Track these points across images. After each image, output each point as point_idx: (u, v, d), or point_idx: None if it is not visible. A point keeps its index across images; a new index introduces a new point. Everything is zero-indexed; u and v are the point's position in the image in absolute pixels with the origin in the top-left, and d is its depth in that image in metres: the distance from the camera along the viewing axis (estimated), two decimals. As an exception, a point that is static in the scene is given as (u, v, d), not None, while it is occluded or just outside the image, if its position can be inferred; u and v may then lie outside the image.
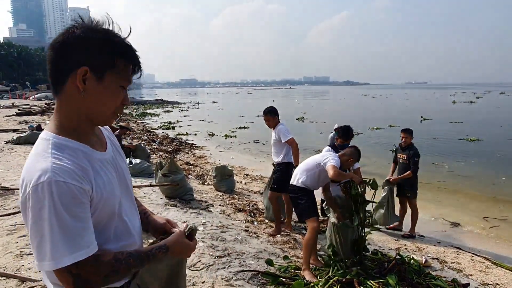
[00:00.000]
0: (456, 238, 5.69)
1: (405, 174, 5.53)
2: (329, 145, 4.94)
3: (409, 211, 5.75)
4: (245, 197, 6.74)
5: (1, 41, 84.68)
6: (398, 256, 3.70)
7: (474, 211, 6.82)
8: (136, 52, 1.06)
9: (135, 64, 1.06)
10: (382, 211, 5.59)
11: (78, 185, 0.94)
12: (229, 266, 3.59)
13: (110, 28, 1.03)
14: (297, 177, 3.87)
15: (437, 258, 4.71)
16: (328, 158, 3.70)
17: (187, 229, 1.24)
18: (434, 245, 5.30)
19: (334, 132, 8.90)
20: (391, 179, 5.67)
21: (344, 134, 4.89)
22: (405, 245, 5.21)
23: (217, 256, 3.78)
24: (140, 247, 1.17)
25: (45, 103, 27.85)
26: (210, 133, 17.11)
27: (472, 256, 4.92)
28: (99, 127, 1.17)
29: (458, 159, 11.08)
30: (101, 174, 1.04)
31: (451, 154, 11.85)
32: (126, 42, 1.04)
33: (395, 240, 5.41)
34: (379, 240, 5.33)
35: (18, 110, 20.41)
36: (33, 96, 40.58)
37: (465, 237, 5.73)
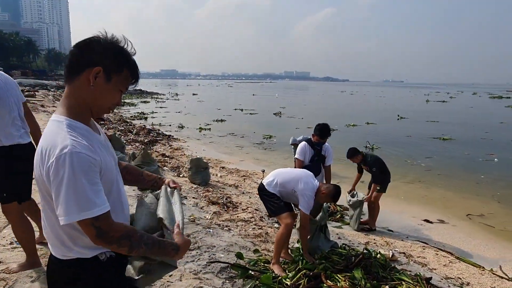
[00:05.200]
0: (424, 233, 5.86)
1: (371, 191, 5.62)
2: (305, 140, 4.87)
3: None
4: (220, 190, 6.71)
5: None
6: (365, 251, 3.78)
7: (443, 207, 7.06)
8: (137, 67, 1.34)
9: (136, 78, 1.35)
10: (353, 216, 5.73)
11: (92, 156, 1.16)
12: (198, 259, 3.57)
13: (125, 45, 1.30)
14: (271, 184, 3.76)
15: (403, 253, 4.84)
16: (304, 197, 3.55)
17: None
18: (402, 240, 5.45)
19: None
20: (365, 200, 5.68)
21: (321, 132, 4.71)
22: (374, 239, 5.33)
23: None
24: None
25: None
26: (181, 126, 16.87)
27: (437, 251, 5.08)
28: None
29: (428, 157, 11.40)
30: (102, 151, 1.26)
31: (424, 152, 12.17)
32: (131, 56, 1.31)
33: (365, 235, 5.53)
34: (349, 235, 5.43)
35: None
36: (4, 82, 38.86)
37: (433, 232, 5.91)
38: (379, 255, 4.00)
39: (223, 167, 9.06)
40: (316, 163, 4.34)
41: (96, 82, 1.23)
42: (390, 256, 4.45)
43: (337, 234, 5.35)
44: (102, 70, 1.22)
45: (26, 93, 24.36)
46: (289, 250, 4.12)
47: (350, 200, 5.71)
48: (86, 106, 1.26)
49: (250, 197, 6.61)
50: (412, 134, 16.00)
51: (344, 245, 4.25)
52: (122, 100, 1.44)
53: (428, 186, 8.38)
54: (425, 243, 5.39)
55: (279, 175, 3.82)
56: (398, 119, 22.60)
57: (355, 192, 5.76)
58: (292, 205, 3.99)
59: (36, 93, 24.35)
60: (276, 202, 3.73)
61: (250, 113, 24.50)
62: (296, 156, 4.60)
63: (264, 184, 3.85)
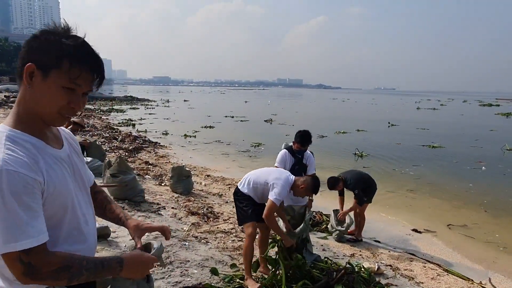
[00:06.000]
0: (411, 244, 5.68)
1: (351, 207, 5.42)
2: (286, 148, 4.66)
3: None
4: (202, 199, 6.47)
5: (-41, 29, 79.65)
6: (348, 265, 3.57)
7: (432, 217, 6.88)
8: (92, 57, 1.07)
9: (82, 67, 1.04)
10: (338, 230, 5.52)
11: (30, 175, 0.97)
12: (169, 275, 3.34)
13: (75, 33, 1.08)
14: (245, 183, 3.62)
15: (390, 265, 4.64)
16: (276, 185, 3.32)
17: (142, 244, 1.29)
18: (389, 252, 5.25)
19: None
20: (339, 217, 5.53)
21: (302, 139, 4.40)
22: (360, 251, 5.13)
23: (157, 264, 3.51)
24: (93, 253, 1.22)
25: (5, 96, 26.32)
26: (165, 132, 16.54)
27: (425, 263, 4.90)
28: (55, 128, 1.19)
29: (416, 165, 11.27)
30: (54, 168, 1.07)
31: (413, 160, 12.04)
32: (78, 45, 1.05)
33: (351, 246, 5.32)
34: (334, 246, 5.22)
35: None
36: (-8, 88, 38.35)
37: (421, 243, 5.73)
38: (362, 269, 3.80)
39: (208, 175, 8.82)
40: (297, 172, 4.12)
41: (32, 83, 1.03)
42: (376, 269, 4.26)
43: (322, 245, 5.15)
44: (35, 66, 1.02)
45: (12, 99, 23.93)
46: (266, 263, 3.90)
47: (336, 225, 5.50)
48: (35, 113, 1.06)
49: (233, 207, 6.36)
50: (401, 141, 15.91)
51: (326, 259, 4.03)
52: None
53: (417, 195, 8.21)
54: (412, 254, 5.21)
55: (252, 174, 3.65)
56: (388, 126, 22.57)
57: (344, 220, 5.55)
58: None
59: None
60: (244, 209, 3.52)
61: (241, 120, 24.31)
62: (275, 164, 4.39)
63: (238, 186, 3.68)
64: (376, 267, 4.32)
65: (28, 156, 1.00)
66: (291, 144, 4.64)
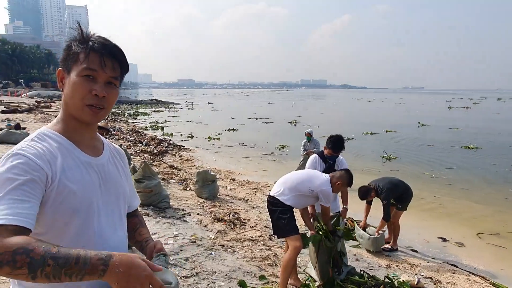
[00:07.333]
0: (451, 253, 5.28)
1: (379, 226, 5.06)
2: (317, 153, 4.40)
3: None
4: (228, 205, 6.30)
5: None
6: (386, 279, 3.28)
7: (472, 225, 6.40)
8: (103, 44, 1.10)
9: (95, 53, 1.08)
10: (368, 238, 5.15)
11: (36, 162, 0.97)
12: (195, 288, 3.16)
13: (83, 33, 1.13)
14: (284, 192, 3.42)
15: (430, 278, 4.30)
16: (323, 192, 3.34)
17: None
18: (428, 262, 4.88)
19: (306, 137, 8.46)
20: (360, 226, 5.22)
21: (334, 145, 4.13)
22: (396, 261, 4.80)
23: (183, 276, 3.35)
24: None
25: (36, 101, 27.23)
26: (190, 135, 16.57)
27: (469, 275, 4.52)
28: (101, 138, 1.25)
29: (451, 168, 10.68)
30: (75, 170, 1.06)
31: (445, 162, 11.44)
32: (90, 37, 1.11)
33: (386, 256, 4.99)
34: (368, 256, 4.91)
35: (5, 107, 19.83)
36: (25, 94, 39.93)
37: (462, 253, 5.32)
38: (402, 284, 3.50)
39: (233, 179, 8.65)
40: (328, 178, 3.87)
41: (63, 85, 1.12)
42: (416, 282, 3.94)
43: (355, 255, 4.85)
44: (62, 69, 1.12)
45: (42, 104, 24.74)
46: (298, 276, 3.67)
47: (361, 236, 5.15)
48: (68, 113, 1.12)
49: (260, 212, 6.17)
50: (433, 142, 15.24)
51: (362, 271, 3.74)
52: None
53: (454, 200, 7.72)
54: (454, 265, 4.82)
55: (287, 182, 3.49)
56: (418, 126, 21.77)
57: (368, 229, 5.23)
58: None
59: (53, 104, 24.69)
60: (289, 220, 3.37)
61: (264, 122, 24.13)
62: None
63: (276, 195, 3.45)
64: (416, 280, 4.00)
65: (46, 150, 1.02)
66: (321, 150, 4.40)
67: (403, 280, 3.64)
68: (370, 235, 5.05)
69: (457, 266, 4.79)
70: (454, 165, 10.98)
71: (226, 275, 3.53)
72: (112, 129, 14.23)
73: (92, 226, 1.09)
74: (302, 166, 7.39)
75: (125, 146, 9.09)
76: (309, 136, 8.35)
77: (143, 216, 4.75)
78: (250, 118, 26.30)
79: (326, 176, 3.49)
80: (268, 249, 4.51)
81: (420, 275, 4.34)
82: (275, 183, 3.65)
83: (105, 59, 1.09)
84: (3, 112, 18.03)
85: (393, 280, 3.43)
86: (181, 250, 3.91)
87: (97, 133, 1.25)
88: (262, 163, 11.19)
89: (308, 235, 3.53)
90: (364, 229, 5.18)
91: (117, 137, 13.13)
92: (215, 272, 3.55)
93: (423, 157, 12.18)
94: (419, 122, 22.69)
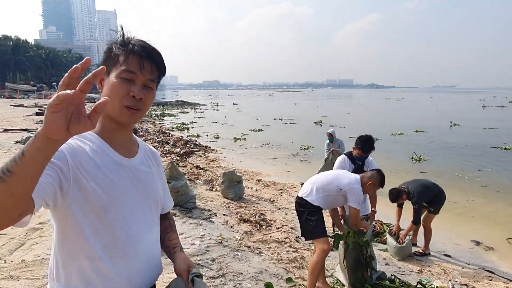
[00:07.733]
0: (487, 259, 5.03)
1: (407, 228, 4.88)
2: (345, 154, 4.31)
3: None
4: (253, 206, 6.28)
5: (32, 43, 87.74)
6: (419, 285, 3.16)
7: (506, 228, 6.08)
8: (141, 46, 1.11)
9: (134, 56, 1.10)
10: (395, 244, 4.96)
11: (63, 151, 0.99)
12: (221, 289, 3.15)
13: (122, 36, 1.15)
14: (311, 192, 3.37)
15: (465, 285, 4.11)
16: (352, 191, 3.27)
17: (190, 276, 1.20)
18: (463, 268, 4.67)
19: (327, 138, 8.26)
20: (393, 232, 5.03)
21: (363, 145, 4.04)
22: (428, 266, 4.62)
23: (210, 277, 3.35)
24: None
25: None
26: (217, 136, 16.64)
27: (507, 283, 4.28)
28: (137, 140, 1.27)
29: (485, 170, 10.19)
30: (105, 168, 1.08)
31: (479, 164, 10.95)
32: (127, 38, 1.13)
33: (418, 260, 4.82)
34: (398, 260, 4.75)
35: (39, 110, 20.70)
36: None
37: (498, 258, 5.06)
38: (436, 290, 3.36)
39: (259, 180, 8.62)
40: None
41: (102, 86, 1.13)
42: (450, 289, 3.77)
43: (385, 259, 4.71)
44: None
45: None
46: (326, 279, 3.60)
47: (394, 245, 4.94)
48: (106, 115, 1.13)
49: (286, 214, 6.11)
50: (466, 143, 14.65)
51: (393, 276, 3.62)
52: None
53: (488, 203, 7.37)
54: (491, 272, 4.58)
55: (316, 182, 3.45)
56: (451, 126, 21.00)
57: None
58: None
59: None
60: (318, 223, 3.32)
61: (290, 123, 23.98)
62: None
63: (303, 196, 3.41)
64: (450, 286, 3.84)
65: (78, 144, 1.06)
66: (350, 150, 4.29)
67: (436, 286, 3.49)
68: (397, 243, 4.87)
69: (493, 273, 4.56)
70: (488, 167, 10.49)
71: (252, 276, 3.50)
72: (139, 130, 14.54)
73: (122, 226, 1.11)
74: (326, 166, 7.26)
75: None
76: (330, 136, 8.13)
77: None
78: (275, 119, 26.23)
79: (356, 176, 3.41)
80: (295, 251, 4.45)
81: (454, 281, 4.15)
82: (301, 184, 3.61)
83: (144, 62, 1.11)
84: (37, 114, 18.84)
85: (426, 286, 3.30)
86: (208, 251, 3.91)
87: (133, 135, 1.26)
88: (289, 164, 11.10)
89: None
90: (397, 233, 5.00)
91: (144, 138, 13.40)
92: (242, 273, 3.53)
93: (455, 158, 11.72)
94: (451, 122, 21.88)
